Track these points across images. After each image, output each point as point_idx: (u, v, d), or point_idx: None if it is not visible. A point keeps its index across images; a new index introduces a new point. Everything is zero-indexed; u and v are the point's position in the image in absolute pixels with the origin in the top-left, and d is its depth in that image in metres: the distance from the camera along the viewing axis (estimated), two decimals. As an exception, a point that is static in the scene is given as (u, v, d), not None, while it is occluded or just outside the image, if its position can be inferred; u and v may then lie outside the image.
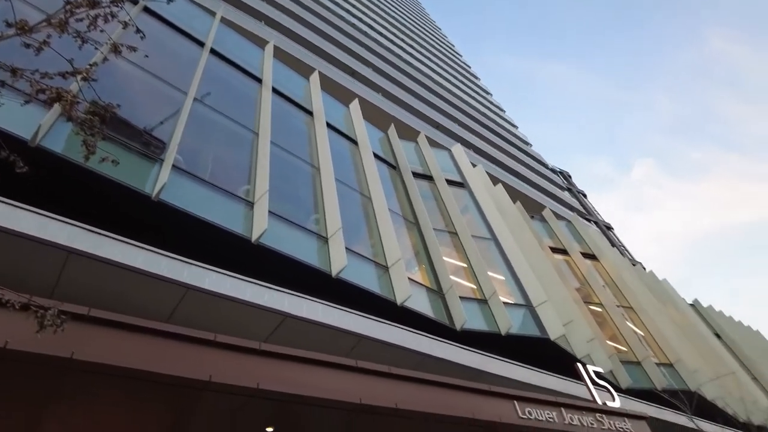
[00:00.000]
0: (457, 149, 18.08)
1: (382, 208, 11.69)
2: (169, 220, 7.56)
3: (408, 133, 18.96)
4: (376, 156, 14.14)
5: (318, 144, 12.08)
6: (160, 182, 7.20)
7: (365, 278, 9.74)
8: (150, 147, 7.67)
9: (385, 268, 10.27)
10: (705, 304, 27.87)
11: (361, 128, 14.61)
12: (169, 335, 4.59)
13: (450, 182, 15.78)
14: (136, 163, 7.61)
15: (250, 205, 8.79)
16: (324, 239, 9.57)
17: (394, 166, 15.11)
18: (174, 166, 7.86)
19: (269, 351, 4.97)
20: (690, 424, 11.89)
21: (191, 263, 6.63)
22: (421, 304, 10.44)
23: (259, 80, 12.50)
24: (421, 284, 11.15)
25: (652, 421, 9.13)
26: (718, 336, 24.77)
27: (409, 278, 10.31)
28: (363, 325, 7.93)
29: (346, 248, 9.34)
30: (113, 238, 6.03)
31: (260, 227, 8.16)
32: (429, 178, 15.67)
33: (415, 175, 15.09)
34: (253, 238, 8.07)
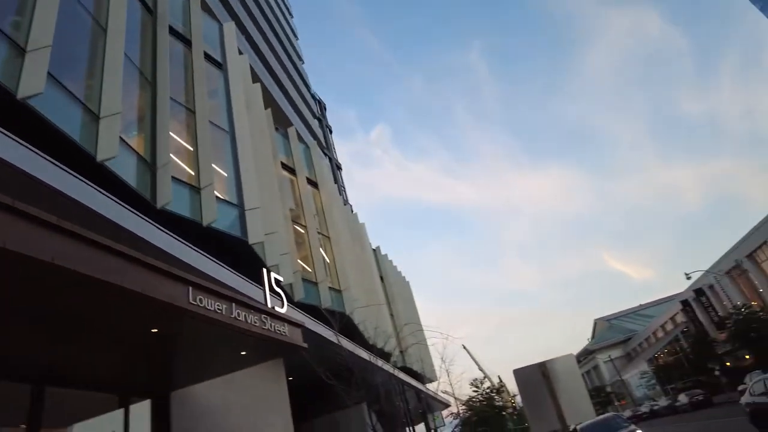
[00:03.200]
0: (230, 28, 16.54)
1: (116, 47, 9.85)
2: None
3: (180, -17, 16.31)
4: (130, -13, 11.73)
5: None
6: None
7: (66, 117, 8.14)
8: None
9: (96, 117, 8.79)
10: (383, 252, 33.42)
11: (122, -55, 11.82)
12: None
13: (209, 58, 14.39)
14: None
15: None
16: (22, 52, 7.52)
17: (150, 11, 12.84)
18: None
19: None
20: (333, 339, 14.22)
21: None
22: (126, 169, 9.40)
23: None
24: (134, 149, 10.00)
25: (306, 331, 10.56)
26: (382, 278, 30.22)
27: (121, 138, 9.10)
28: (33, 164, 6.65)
29: (48, 72, 7.59)
30: None
31: None
32: (187, 42, 13.92)
33: (172, 31, 13.20)
34: None
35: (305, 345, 8.85)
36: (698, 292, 48.06)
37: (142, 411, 8.60)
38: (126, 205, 8.07)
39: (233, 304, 6.94)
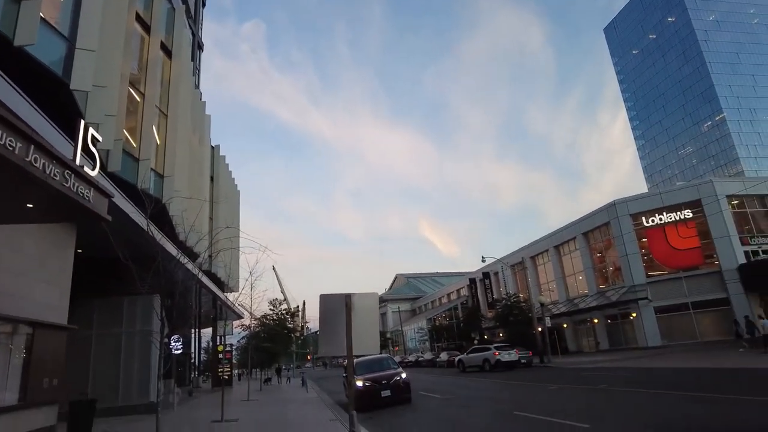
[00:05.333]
0: None
1: None
2: None
3: None
4: None
5: None
6: None
7: None
8: None
9: None
10: (222, 153, 31.58)
11: None
12: None
13: None
14: None
15: None
16: None
17: None
18: None
19: None
20: (142, 222, 13.07)
21: None
22: None
23: None
24: None
25: (113, 204, 9.49)
26: (212, 179, 28.63)
27: None
28: None
29: None
30: None
31: None
32: None
33: None
34: None
35: (109, 218, 7.95)
36: (485, 275, 55.84)
37: None
38: None
39: (32, 146, 5.84)
